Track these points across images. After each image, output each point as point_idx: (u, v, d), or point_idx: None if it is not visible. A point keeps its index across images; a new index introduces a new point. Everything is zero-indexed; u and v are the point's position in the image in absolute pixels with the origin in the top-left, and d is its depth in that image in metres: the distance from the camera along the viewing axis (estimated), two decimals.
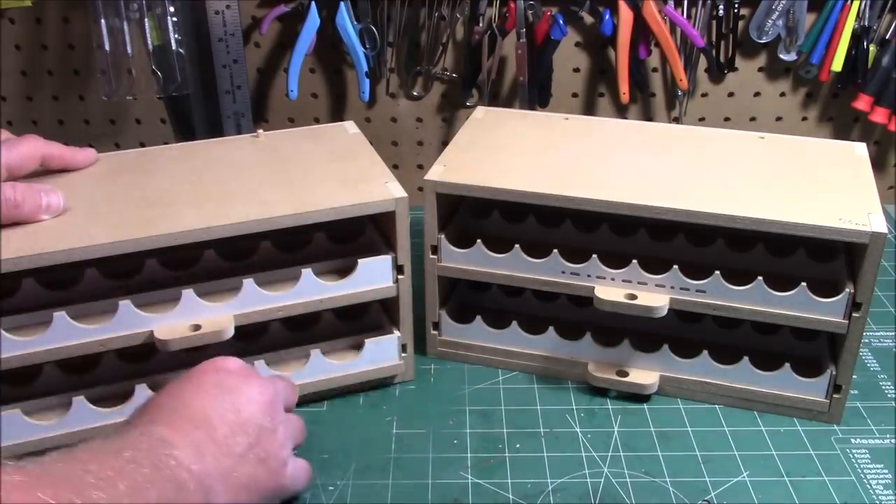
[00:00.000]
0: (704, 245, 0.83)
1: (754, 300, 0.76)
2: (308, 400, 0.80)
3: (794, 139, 0.90)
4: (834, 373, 0.77)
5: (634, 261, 0.78)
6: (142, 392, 0.73)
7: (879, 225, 0.72)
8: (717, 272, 0.76)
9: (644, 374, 0.81)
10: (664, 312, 0.78)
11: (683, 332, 0.86)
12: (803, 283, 0.75)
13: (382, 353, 0.81)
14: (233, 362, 0.66)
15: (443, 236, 0.82)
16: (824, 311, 0.75)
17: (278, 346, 0.82)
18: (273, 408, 0.65)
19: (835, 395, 0.78)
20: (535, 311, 0.90)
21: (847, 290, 0.74)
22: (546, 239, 0.85)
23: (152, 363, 0.78)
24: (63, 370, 0.76)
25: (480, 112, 0.96)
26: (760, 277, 0.75)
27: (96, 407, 0.72)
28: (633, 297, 0.78)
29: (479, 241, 0.82)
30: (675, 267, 0.77)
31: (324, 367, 0.79)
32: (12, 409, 0.70)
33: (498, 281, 0.83)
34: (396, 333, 0.81)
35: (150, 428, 0.58)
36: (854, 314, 0.74)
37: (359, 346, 0.81)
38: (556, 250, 0.80)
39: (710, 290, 0.77)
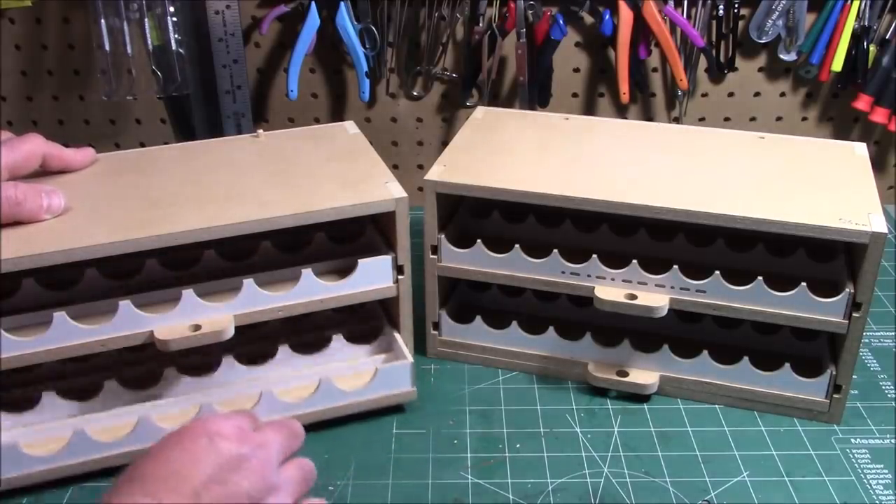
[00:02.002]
0: (704, 245, 0.83)
1: (754, 300, 0.76)
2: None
3: (794, 139, 0.90)
4: (834, 373, 0.77)
5: (634, 261, 0.78)
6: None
7: (879, 225, 0.72)
8: (717, 272, 0.76)
9: (644, 374, 0.81)
10: (664, 312, 0.78)
11: (683, 332, 0.86)
12: (803, 283, 0.75)
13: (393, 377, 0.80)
14: (227, 425, 0.57)
15: (443, 236, 0.82)
16: (824, 311, 0.75)
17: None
18: (267, 472, 0.56)
19: (835, 395, 0.78)
20: (535, 311, 0.90)
21: (847, 290, 0.74)
22: (546, 239, 0.85)
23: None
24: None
25: (480, 112, 0.96)
26: (760, 277, 0.75)
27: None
28: (633, 297, 0.78)
29: (479, 241, 0.82)
30: (675, 267, 0.77)
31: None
32: None
33: (498, 281, 0.83)
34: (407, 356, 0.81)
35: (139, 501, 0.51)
36: (854, 314, 0.74)
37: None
38: (556, 250, 0.80)
39: (710, 290, 0.77)
